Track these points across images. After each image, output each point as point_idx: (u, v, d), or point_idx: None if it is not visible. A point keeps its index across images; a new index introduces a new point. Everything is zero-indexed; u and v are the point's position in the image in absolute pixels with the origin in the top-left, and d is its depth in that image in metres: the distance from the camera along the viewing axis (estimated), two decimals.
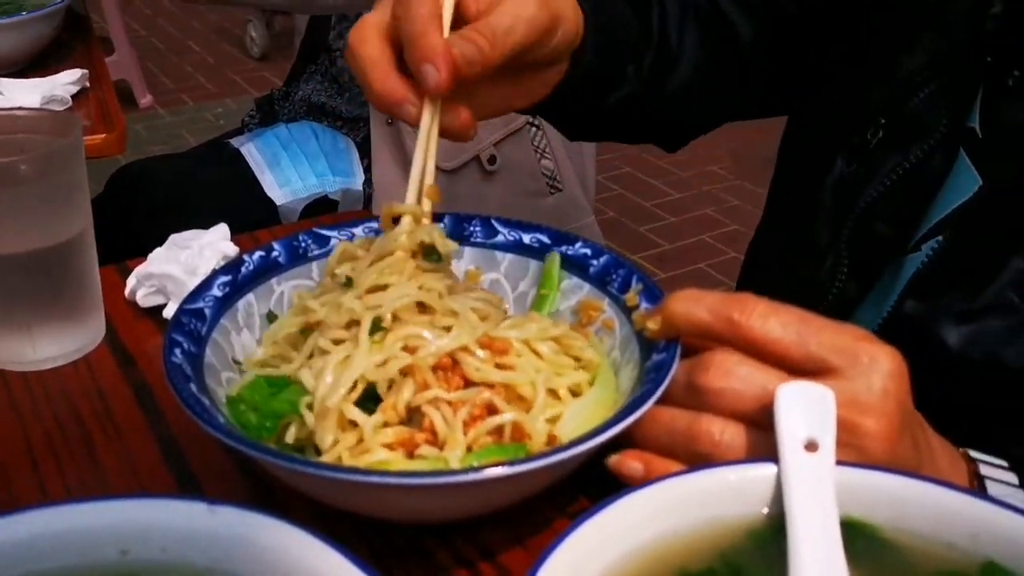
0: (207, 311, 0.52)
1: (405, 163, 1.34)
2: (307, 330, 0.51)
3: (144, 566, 0.38)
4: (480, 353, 0.47)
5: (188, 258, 0.66)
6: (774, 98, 0.81)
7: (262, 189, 1.30)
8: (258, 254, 0.57)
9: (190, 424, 0.55)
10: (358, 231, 0.61)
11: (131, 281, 0.66)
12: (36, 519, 0.38)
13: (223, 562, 0.38)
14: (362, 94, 1.40)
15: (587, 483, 0.48)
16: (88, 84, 1.03)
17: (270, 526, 0.37)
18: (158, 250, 0.69)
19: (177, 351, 0.48)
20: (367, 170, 1.35)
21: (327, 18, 1.51)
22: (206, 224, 0.70)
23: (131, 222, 1.20)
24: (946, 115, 0.62)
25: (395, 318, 0.48)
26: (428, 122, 0.54)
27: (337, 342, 0.48)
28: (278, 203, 1.29)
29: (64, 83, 0.99)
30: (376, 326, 0.48)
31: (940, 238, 0.63)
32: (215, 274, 0.55)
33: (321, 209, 1.31)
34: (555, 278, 0.59)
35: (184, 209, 1.23)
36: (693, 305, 0.47)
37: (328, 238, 0.60)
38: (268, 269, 0.57)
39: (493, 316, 0.51)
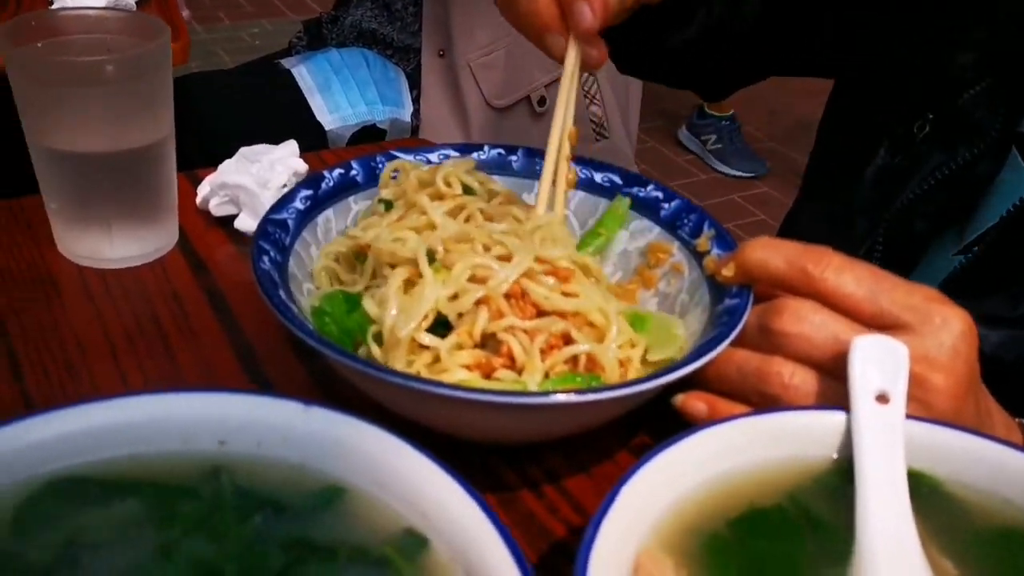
0: (290, 222, 0.54)
1: (454, 97, 1.34)
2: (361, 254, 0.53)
3: (240, 457, 0.40)
4: (548, 280, 0.48)
5: (259, 171, 0.67)
6: (822, 60, 0.79)
7: (311, 112, 1.30)
8: (337, 171, 0.58)
9: (264, 330, 0.57)
10: (433, 157, 0.62)
11: (203, 189, 0.67)
12: (141, 404, 0.39)
13: (315, 460, 0.39)
14: (414, 23, 1.41)
15: (647, 417, 0.50)
16: None
17: (364, 430, 0.39)
18: (228, 161, 0.69)
19: (265, 259, 0.49)
20: (415, 101, 1.35)
21: None
22: (254, 141, 0.71)
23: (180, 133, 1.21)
24: (999, 118, 0.62)
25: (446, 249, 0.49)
26: (573, 62, 0.54)
27: (394, 266, 0.50)
28: (327, 127, 1.30)
29: None
30: (430, 256, 0.49)
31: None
32: (298, 187, 0.56)
33: (369, 137, 1.31)
34: (619, 220, 0.60)
35: (234, 125, 1.23)
36: (770, 253, 0.48)
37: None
38: (346, 187, 0.58)
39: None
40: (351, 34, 1.49)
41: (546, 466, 0.49)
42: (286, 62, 1.38)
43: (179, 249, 0.64)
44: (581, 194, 0.62)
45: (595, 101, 1.37)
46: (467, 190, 0.54)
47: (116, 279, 0.61)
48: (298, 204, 0.55)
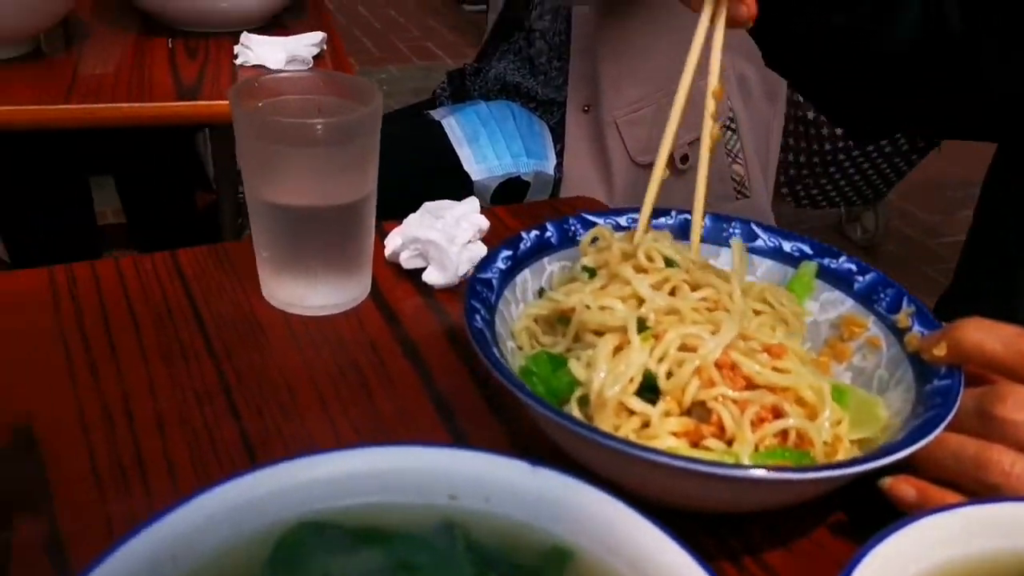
0: (494, 282, 0.56)
1: (598, 152, 1.36)
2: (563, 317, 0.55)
3: (470, 512, 0.41)
4: (761, 356, 0.49)
5: (445, 227, 0.70)
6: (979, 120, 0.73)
7: (459, 162, 1.34)
8: (534, 233, 0.60)
9: (456, 382, 0.60)
10: (622, 221, 0.63)
11: (393, 242, 0.70)
12: (379, 455, 0.42)
13: (542, 520, 0.41)
14: (558, 78, 1.44)
15: (844, 494, 0.50)
16: (325, 47, 1.08)
17: (590, 493, 0.40)
18: (413, 216, 0.73)
19: (477, 317, 0.51)
20: (559, 154, 1.38)
21: None
22: (408, 190, 0.74)
23: None
24: None
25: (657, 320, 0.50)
26: (709, 13, 0.57)
27: (598, 333, 0.51)
28: (474, 178, 1.33)
29: (307, 44, 1.05)
30: (640, 325, 0.50)
31: None
32: (499, 248, 0.58)
33: (513, 189, 1.34)
34: (806, 288, 0.60)
35: (387, 173, 1.28)
36: (986, 335, 0.47)
37: (594, 223, 0.63)
38: (542, 248, 0.60)
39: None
40: (495, 86, 1.53)
41: (745, 537, 0.49)
42: (435, 113, 1.43)
43: (372, 299, 0.67)
44: (768, 262, 0.62)
45: (737, 160, 1.37)
46: (668, 261, 0.55)
47: (317, 326, 0.64)
48: (500, 264, 0.57)
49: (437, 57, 3.99)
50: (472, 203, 0.74)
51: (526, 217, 0.79)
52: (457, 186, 1.33)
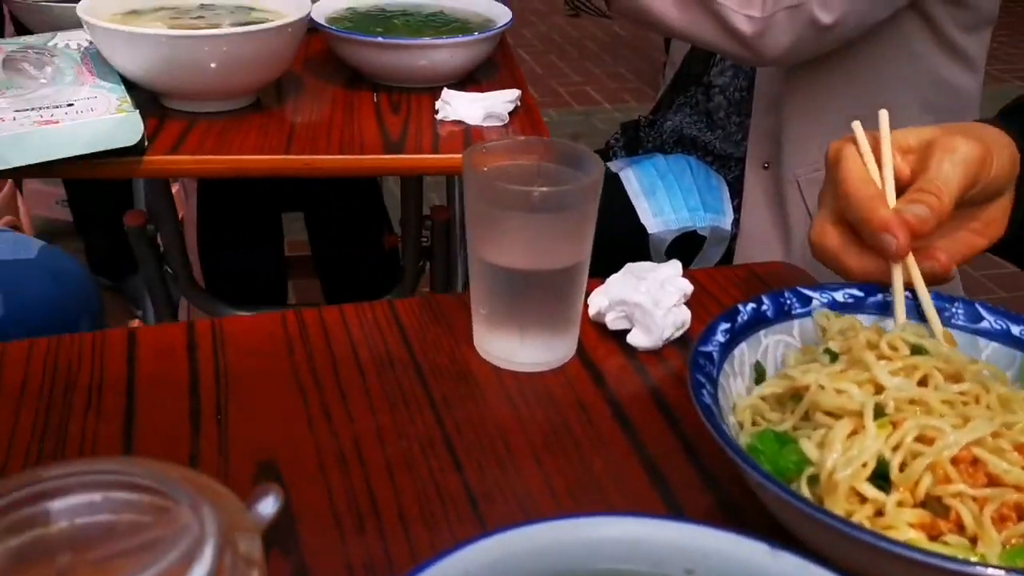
0: (715, 355, 0.57)
1: (777, 209, 1.35)
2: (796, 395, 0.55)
3: None
4: (1011, 455, 0.47)
5: (650, 289, 0.71)
6: None
7: (636, 215, 1.36)
8: (750, 306, 0.61)
9: (666, 449, 0.60)
10: (838, 295, 0.63)
11: (599, 303, 0.72)
12: (620, 524, 0.43)
13: None
14: (737, 133, 1.44)
15: None
16: (519, 103, 1.12)
17: None
18: (615, 276, 0.74)
19: (704, 392, 0.52)
20: (736, 210, 1.38)
21: (708, 54, 1.54)
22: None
23: None
24: None
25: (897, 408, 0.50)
26: (899, 282, 0.60)
27: (830, 415, 0.51)
28: (650, 231, 1.34)
29: (503, 101, 1.09)
30: (878, 411, 0.50)
31: None
32: (718, 320, 0.59)
33: (688, 243, 1.35)
34: None
35: None
36: None
37: (810, 298, 0.63)
38: (758, 321, 0.61)
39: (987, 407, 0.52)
40: (670, 139, 1.54)
41: None
42: (612, 165, 1.45)
43: (578, 358, 0.69)
44: (995, 344, 0.60)
45: None
46: (917, 349, 0.55)
47: (528, 382, 0.66)
48: (719, 337, 0.58)
49: (596, 102, 4.05)
50: (675, 266, 0.75)
51: (724, 281, 0.80)
52: (633, 237, 1.34)
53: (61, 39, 1.08)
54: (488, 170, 0.67)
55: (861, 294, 0.63)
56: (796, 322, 0.62)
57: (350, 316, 0.72)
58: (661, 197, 1.36)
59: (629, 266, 0.75)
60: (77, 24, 1.08)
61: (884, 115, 0.66)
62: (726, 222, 1.36)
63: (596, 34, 4.92)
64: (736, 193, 1.39)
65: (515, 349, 0.67)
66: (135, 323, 2.29)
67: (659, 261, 1.40)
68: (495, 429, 0.61)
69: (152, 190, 1.33)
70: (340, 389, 0.64)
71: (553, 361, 0.68)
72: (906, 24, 1.26)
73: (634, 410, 0.64)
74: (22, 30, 1.79)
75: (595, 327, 0.72)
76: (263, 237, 1.72)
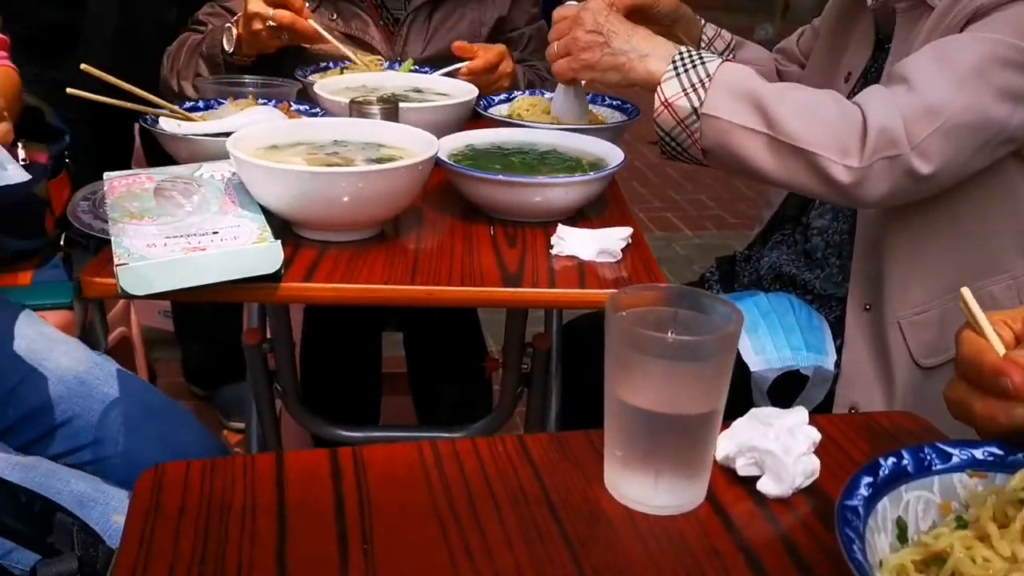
0: (860, 509, 0.57)
1: (879, 352, 1.34)
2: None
3: None
4: None
5: (779, 436, 0.72)
6: None
7: (738, 353, 1.36)
8: (891, 460, 0.61)
9: None
10: (978, 453, 0.63)
11: (726, 447, 0.73)
12: None
13: None
14: (838, 275, 1.44)
15: None
16: (630, 240, 1.16)
17: None
18: (741, 421, 0.75)
19: (855, 548, 0.53)
20: (838, 350, 1.37)
21: (806, 197, 1.57)
22: None
23: None
24: None
25: None
26: None
27: None
28: (752, 369, 1.35)
29: (616, 238, 1.13)
30: None
31: None
32: (860, 474, 0.59)
33: (791, 382, 1.35)
34: None
35: None
36: None
37: (950, 455, 0.63)
38: (899, 476, 0.61)
39: None
40: (768, 275, 1.56)
41: None
42: None
43: (708, 502, 0.70)
44: None
45: None
46: None
47: (660, 525, 0.67)
48: (863, 491, 0.58)
49: (677, 228, 4.11)
50: (801, 413, 0.76)
51: (847, 429, 0.80)
52: (735, 375, 1.34)
53: (206, 170, 1.16)
54: (627, 315, 0.69)
55: (1001, 452, 0.63)
56: (936, 478, 0.62)
57: (482, 448, 0.74)
58: (763, 335, 1.37)
59: (754, 411, 0.76)
60: (220, 156, 1.17)
61: (966, 292, 0.67)
62: (829, 362, 1.36)
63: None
64: (838, 333, 1.39)
65: (649, 492, 0.68)
66: (226, 434, 2.35)
67: (761, 400, 1.39)
68: (631, 573, 0.62)
69: (273, 312, 1.39)
70: (478, 523, 0.66)
71: (685, 505, 0.69)
72: (1007, 169, 1.27)
73: (767, 559, 0.64)
74: (154, 160, 1.93)
75: (723, 471, 0.73)
76: (364, 356, 1.78)
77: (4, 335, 1.25)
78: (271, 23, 1.52)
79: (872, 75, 1.41)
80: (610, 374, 0.69)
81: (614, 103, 1.57)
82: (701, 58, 1.22)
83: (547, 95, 1.57)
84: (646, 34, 1.28)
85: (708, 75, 1.20)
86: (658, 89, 1.21)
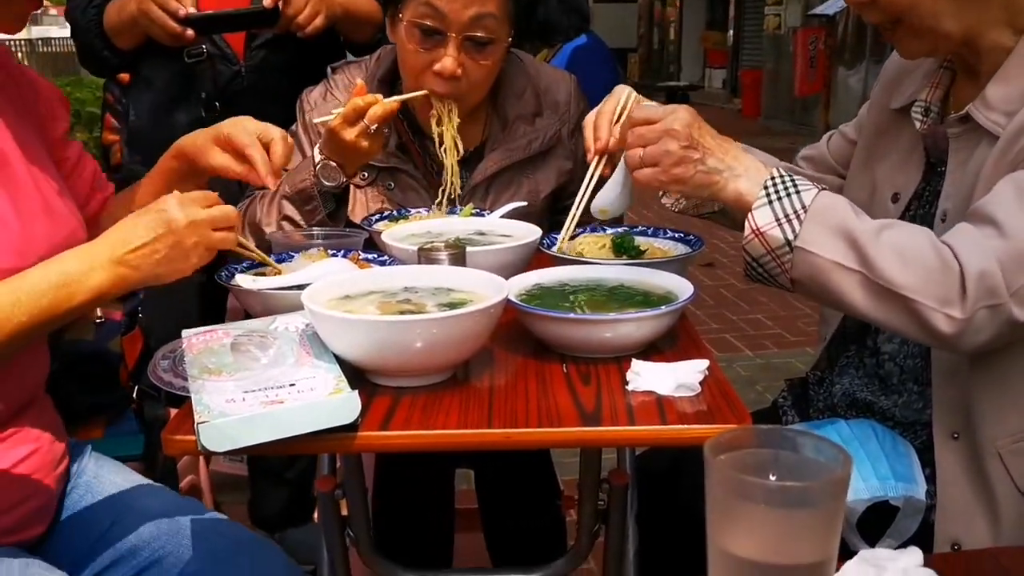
0: None
1: (977, 481, 1.27)
2: None
3: None
4: None
5: None
6: None
7: None
8: None
9: None
10: None
11: None
12: None
13: None
14: (918, 401, 1.38)
15: None
16: (708, 373, 1.14)
17: None
18: (850, 564, 0.72)
19: None
20: (929, 479, 1.31)
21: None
22: None
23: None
24: None
25: None
26: None
27: None
28: None
29: (693, 371, 1.11)
30: None
31: None
32: None
33: (882, 513, 1.29)
34: None
35: None
36: None
37: None
38: None
39: None
40: (843, 402, 1.50)
41: None
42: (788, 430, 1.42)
43: None
44: None
45: None
46: None
47: None
48: None
49: (737, 349, 4.06)
50: (915, 554, 0.72)
51: (966, 571, 0.75)
52: None
53: (281, 322, 1.18)
54: (725, 458, 0.67)
55: None
56: None
57: None
58: None
59: (863, 553, 0.73)
60: (294, 308, 1.19)
61: None
62: (920, 492, 1.30)
63: (729, 281, 5.01)
64: (927, 462, 1.33)
65: None
66: None
67: (850, 533, 1.33)
68: None
69: (346, 457, 1.38)
70: None
71: None
72: None
73: None
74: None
75: None
76: (437, 496, 1.75)
77: (91, 481, 1.31)
78: (371, 127, 1.48)
79: (927, 198, 1.38)
80: (712, 521, 0.66)
81: (676, 235, 1.57)
82: (796, 185, 1.19)
83: (608, 231, 1.58)
84: (738, 151, 1.25)
85: (804, 206, 1.16)
86: (749, 216, 1.19)
